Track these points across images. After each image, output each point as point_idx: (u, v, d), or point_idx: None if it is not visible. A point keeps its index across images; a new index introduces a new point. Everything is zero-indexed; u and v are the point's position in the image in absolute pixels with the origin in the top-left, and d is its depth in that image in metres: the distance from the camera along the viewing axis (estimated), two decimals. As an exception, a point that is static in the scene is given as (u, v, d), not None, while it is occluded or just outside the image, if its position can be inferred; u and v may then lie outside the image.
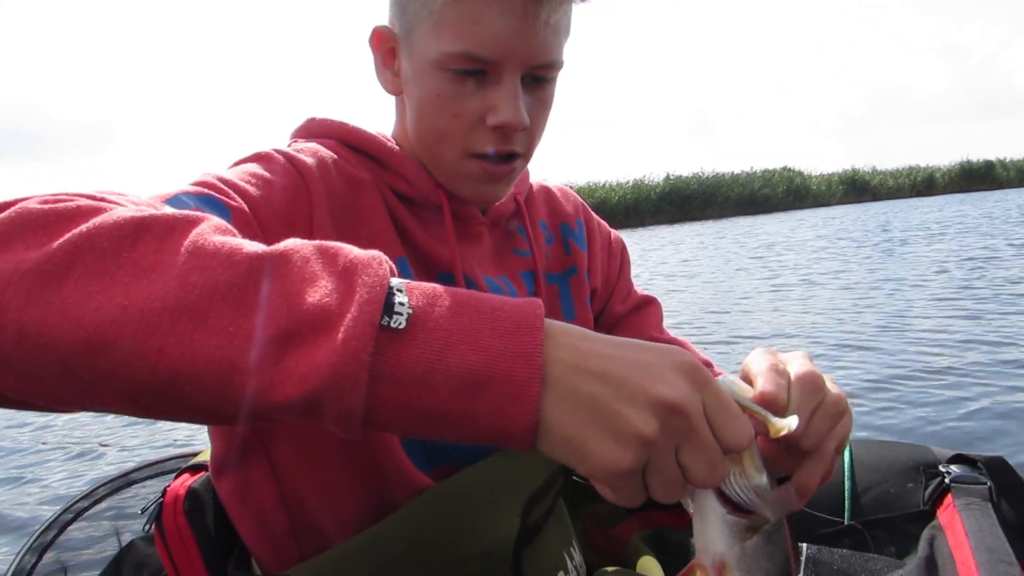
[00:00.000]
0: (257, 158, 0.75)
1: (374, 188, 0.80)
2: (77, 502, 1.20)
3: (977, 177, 36.86)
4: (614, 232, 1.07)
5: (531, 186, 0.98)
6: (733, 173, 31.26)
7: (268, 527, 0.79)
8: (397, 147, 0.83)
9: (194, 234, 0.45)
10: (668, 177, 29.68)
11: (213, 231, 0.46)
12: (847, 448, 0.91)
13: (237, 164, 0.74)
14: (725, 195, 28.66)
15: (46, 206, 0.46)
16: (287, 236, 0.70)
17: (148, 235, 0.45)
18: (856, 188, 34.47)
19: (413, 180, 0.81)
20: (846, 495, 0.87)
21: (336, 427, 0.44)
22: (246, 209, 0.66)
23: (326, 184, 0.75)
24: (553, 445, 0.44)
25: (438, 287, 0.46)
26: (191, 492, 0.88)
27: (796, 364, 0.60)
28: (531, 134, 0.80)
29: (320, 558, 0.73)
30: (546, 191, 1.01)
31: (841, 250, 10.76)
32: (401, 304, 0.43)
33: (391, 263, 0.47)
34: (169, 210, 0.53)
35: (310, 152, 0.77)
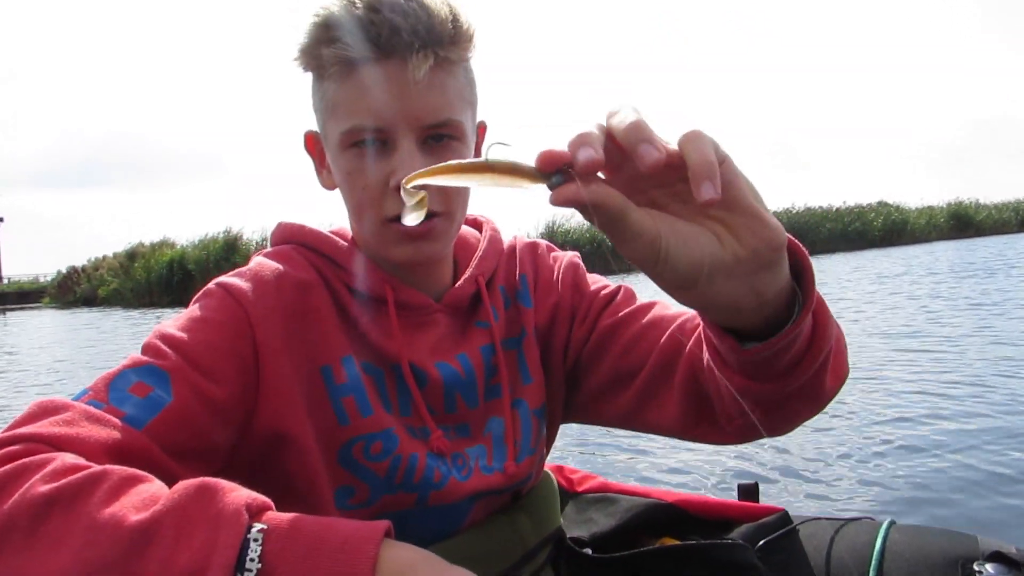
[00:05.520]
0: (202, 296, 0.83)
1: (323, 288, 0.85)
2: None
3: (1090, 210, 34.45)
4: (563, 258, 1.00)
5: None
6: (824, 208, 30.27)
7: None
8: (345, 244, 0.88)
9: (93, 503, 0.56)
10: (757, 213, 28.89)
11: (108, 497, 0.57)
12: (880, 535, 0.82)
13: (189, 305, 0.83)
14: (817, 231, 27.73)
15: None
16: (232, 365, 0.78)
17: (56, 509, 0.56)
18: (960, 223, 32.78)
19: (359, 275, 0.86)
20: (870, 589, 0.78)
21: None
22: (184, 365, 0.75)
23: (267, 302, 0.81)
24: None
25: (300, 523, 0.55)
26: None
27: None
28: (445, 193, 0.82)
29: None
30: (508, 254, 0.99)
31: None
32: (252, 560, 0.53)
33: (260, 503, 0.57)
34: (111, 417, 0.68)
35: (249, 276, 0.84)
